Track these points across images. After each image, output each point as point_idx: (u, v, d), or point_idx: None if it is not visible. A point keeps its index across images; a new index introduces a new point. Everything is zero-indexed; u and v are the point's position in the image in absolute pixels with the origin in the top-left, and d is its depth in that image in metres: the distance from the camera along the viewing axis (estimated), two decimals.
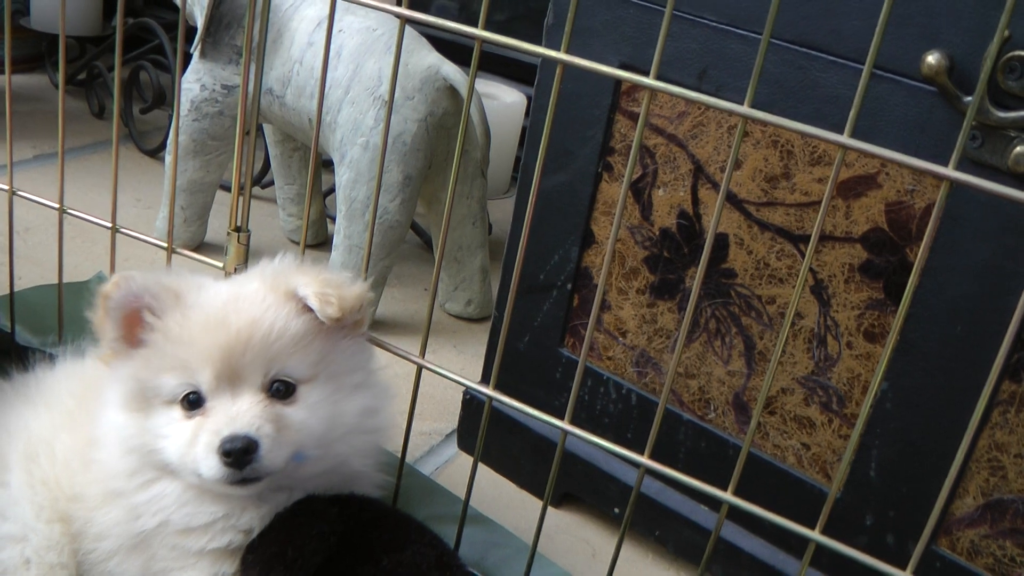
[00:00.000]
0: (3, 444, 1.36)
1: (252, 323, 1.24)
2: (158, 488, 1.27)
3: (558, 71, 1.17)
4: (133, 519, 1.28)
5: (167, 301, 1.26)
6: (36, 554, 1.28)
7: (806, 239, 1.39)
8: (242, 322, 1.24)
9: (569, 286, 1.63)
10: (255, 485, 1.22)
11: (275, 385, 1.24)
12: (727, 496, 1.25)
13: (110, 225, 1.60)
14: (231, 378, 1.22)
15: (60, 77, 1.51)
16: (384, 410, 1.35)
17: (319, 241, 2.59)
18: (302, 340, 1.26)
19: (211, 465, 1.19)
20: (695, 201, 1.48)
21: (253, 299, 1.27)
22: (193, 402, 1.23)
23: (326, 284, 1.27)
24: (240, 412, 1.21)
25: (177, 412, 1.24)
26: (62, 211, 1.63)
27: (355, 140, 2.06)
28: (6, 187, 1.65)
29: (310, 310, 1.26)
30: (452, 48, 2.17)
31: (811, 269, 1.40)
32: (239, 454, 1.17)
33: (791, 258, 1.41)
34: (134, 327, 1.27)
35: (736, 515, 1.26)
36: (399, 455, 1.46)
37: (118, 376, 1.29)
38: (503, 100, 2.60)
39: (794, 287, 1.41)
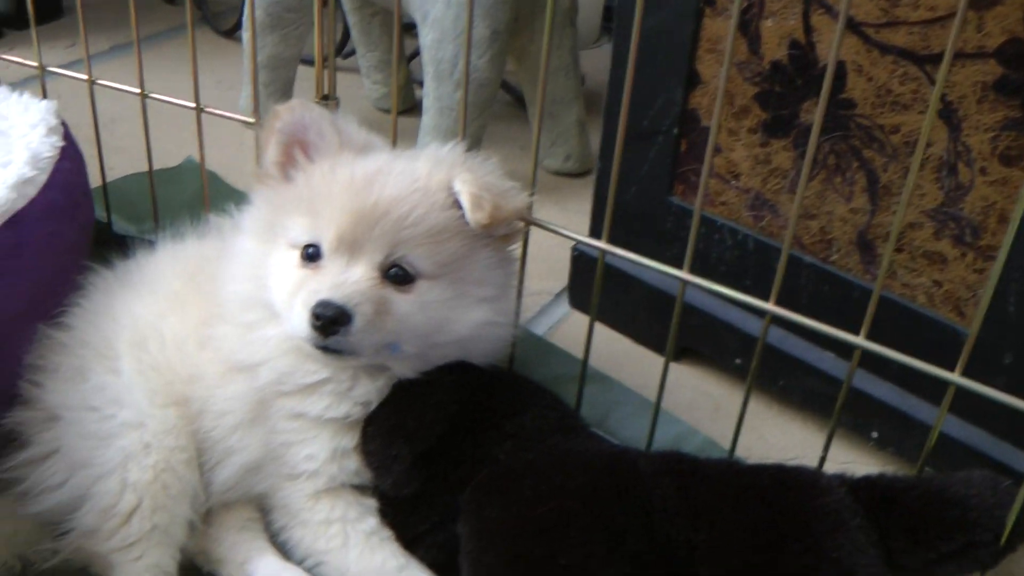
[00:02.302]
0: (110, 332, 1.36)
1: (393, 200, 1.21)
2: (264, 331, 1.28)
3: None
4: (252, 381, 1.29)
5: (328, 145, 1.27)
6: (155, 438, 1.28)
7: (932, 59, 1.29)
8: (383, 195, 1.21)
9: (675, 131, 1.55)
10: (340, 358, 1.22)
11: (393, 269, 1.22)
12: (860, 341, 1.19)
13: (193, 106, 1.56)
14: (352, 246, 1.21)
15: None
16: (506, 326, 1.33)
17: (407, 107, 2.54)
18: (439, 235, 1.23)
19: (300, 321, 1.19)
20: (807, 29, 1.39)
21: (405, 177, 1.24)
22: (311, 255, 1.23)
23: (485, 188, 1.23)
24: (346, 281, 1.19)
25: (295, 258, 1.25)
26: (143, 96, 1.60)
27: None
28: (85, 77, 1.62)
29: (459, 207, 1.23)
30: None
31: None
32: (327, 321, 1.17)
33: (916, 81, 1.32)
34: (290, 160, 1.29)
35: (864, 360, 1.20)
36: None
37: (258, 203, 1.32)
38: None
39: (920, 113, 1.32)
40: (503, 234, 1.29)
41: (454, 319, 1.25)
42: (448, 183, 1.23)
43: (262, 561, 1.30)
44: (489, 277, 1.28)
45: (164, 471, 1.26)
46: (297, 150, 1.28)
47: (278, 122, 1.28)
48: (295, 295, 1.21)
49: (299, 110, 1.27)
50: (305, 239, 1.24)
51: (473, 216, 1.21)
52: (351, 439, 1.27)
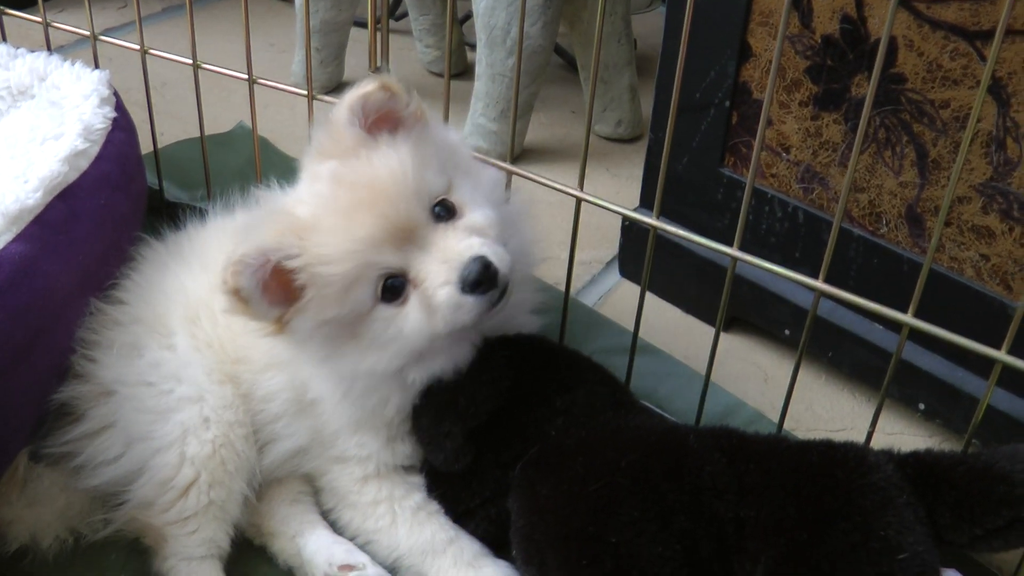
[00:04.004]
0: (163, 308, 1.36)
1: (371, 183, 1.16)
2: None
3: None
4: (300, 389, 1.29)
5: (291, 240, 1.15)
6: (214, 413, 1.29)
7: (983, 36, 1.29)
8: (363, 192, 1.16)
9: (727, 103, 1.55)
10: (510, 296, 1.18)
11: (437, 208, 1.18)
12: (908, 319, 1.20)
13: (247, 77, 1.57)
14: (407, 236, 1.16)
15: None
16: (500, 184, 1.34)
17: (459, 70, 2.53)
18: (414, 159, 1.18)
19: (469, 308, 1.14)
20: (859, 3, 1.38)
21: (355, 166, 1.18)
22: (394, 286, 1.16)
23: (355, 90, 1.21)
24: (445, 250, 1.15)
25: (388, 310, 1.17)
26: (196, 66, 1.60)
27: None
28: (137, 46, 1.63)
29: (396, 129, 1.21)
30: None
31: None
32: (483, 273, 1.13)
33: (966, 57, 1.31)
34: (283, 284, 1.16)
35: (913, 332, 1.20)
36: (562, 289, 1.43)
37: (308, 336, 1.20)
38: None
39: (969, 88, 1.31)
40: (412, 111, 1.24)
41: (497, 188, 1.29)
42: (350, 120, 1.20)
43: (313, 534, 1.31)
44: (452, 144, 1.28)
45: (223, 446, 1.28)
46: (283, 264, 1.15)
47: (243, 291, 1.14)
48: (432, 315, 1.16)
49: (243, 266, 1.13)
50: (377, 283, 1.16)
51: (378, 99, 1.21)
52: (405, 425, 1.29)
